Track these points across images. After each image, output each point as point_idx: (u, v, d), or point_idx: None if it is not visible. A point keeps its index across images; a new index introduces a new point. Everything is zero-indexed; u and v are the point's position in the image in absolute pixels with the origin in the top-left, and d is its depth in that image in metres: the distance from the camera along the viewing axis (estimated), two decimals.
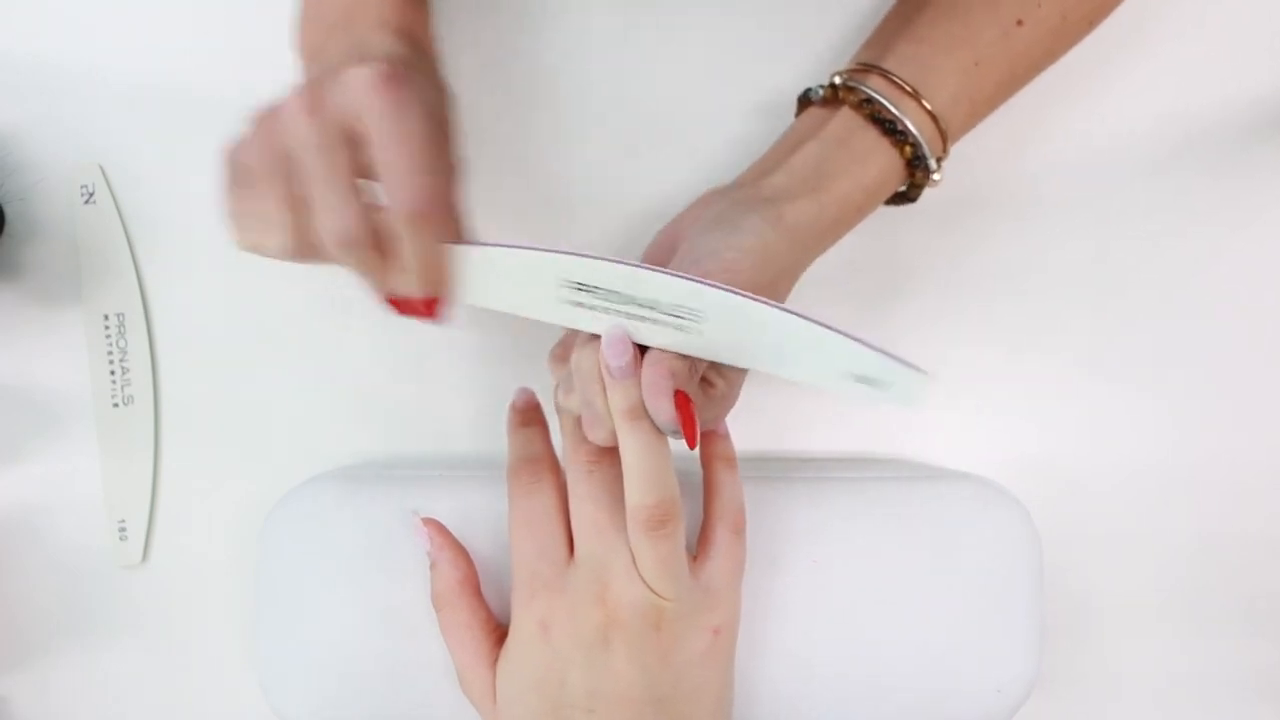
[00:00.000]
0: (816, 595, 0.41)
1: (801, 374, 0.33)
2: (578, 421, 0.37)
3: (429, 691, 0.41)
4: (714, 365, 0.36)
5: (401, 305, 0.35)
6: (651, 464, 0.34)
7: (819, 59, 0.45)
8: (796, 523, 0.41)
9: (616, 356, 0.33)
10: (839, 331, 0.32)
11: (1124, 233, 0.47)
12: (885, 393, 0.32)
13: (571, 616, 0.36)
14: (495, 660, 0.38)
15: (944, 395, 0.47)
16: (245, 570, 0.45)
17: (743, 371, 0.37)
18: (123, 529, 0.47)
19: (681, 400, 0.33)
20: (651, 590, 0.35)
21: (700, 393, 0.36)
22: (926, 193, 0.40)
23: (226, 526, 0.47)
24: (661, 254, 0.39)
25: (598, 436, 0.35)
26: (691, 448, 0.34)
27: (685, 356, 0.33)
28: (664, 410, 0.33)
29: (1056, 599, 0.44)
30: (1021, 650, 0.41)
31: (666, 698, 0.36)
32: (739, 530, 0.38)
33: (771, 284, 0.36)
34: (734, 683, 0.39)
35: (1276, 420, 0.47)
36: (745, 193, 0.37)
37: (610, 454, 0.37)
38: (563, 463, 0.38)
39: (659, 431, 0.34)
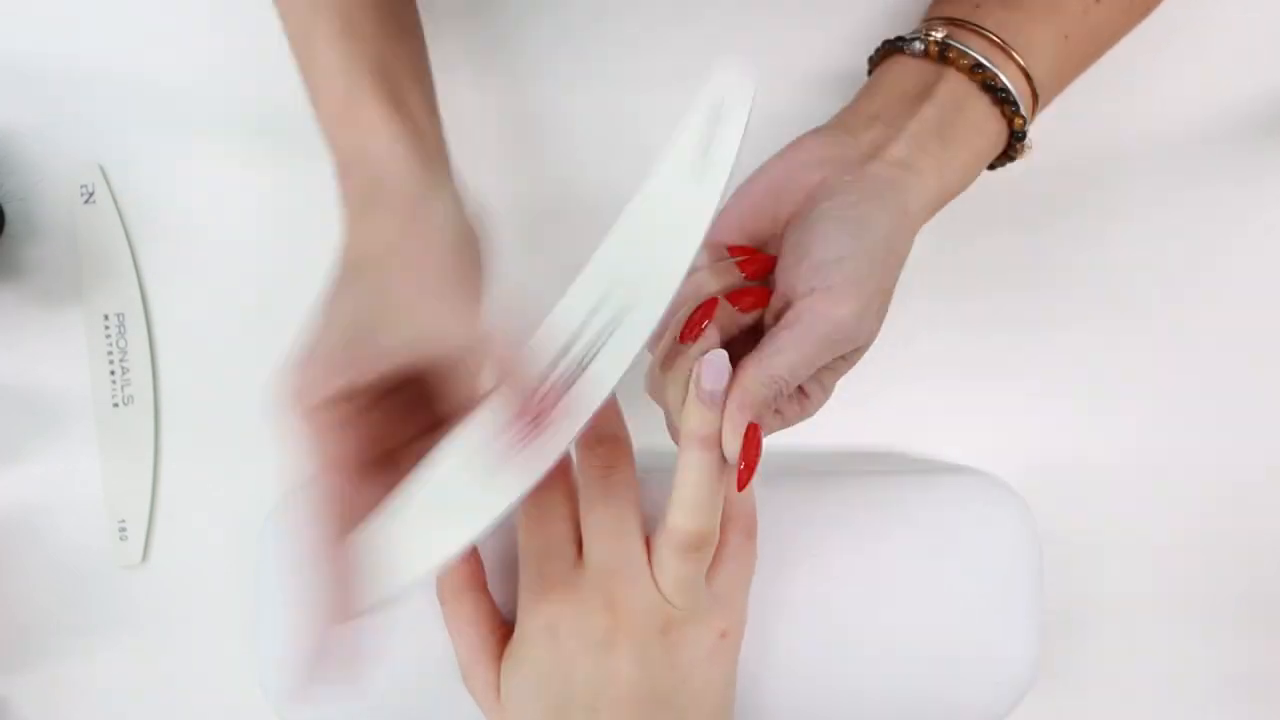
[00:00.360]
0: (815, 590, 0.41)
1: None
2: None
3: (431, 691, 0.40)
4: (816, 380, 0.35)
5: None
6: (706, 493, 0.33)
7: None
8: (796, 517, 0.41)
9: (711, 380, 0.32)
10: None
11: (1126, 230, 0.47)
12: None
13: (578, 619, 0.36)
14: (499, 657, 0.38)
15: (945, 390, 0.47)
16: (245, 570, 0.45)
17: (836, 379, 0.36)
18: (123, 529, 0.47)
19: (750, 438, 0.32)
20: (663, 597, 0.35)
21: (794, 402, 0.35)
22: None
23: (226, 526, 0.47)
24: (764, 202, 0.36)
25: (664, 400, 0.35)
26: (740, 489, 0.33)
27: (775, 384, 0.32)
28: (732, 447, 0.32)
29: (1056, 594, 0.44)
30: (1021, 645, 0.41)
31: (671, 699, 0.36)
32: (751, 535, 0.38)
33: (891, 287, 0.34)
34: (736, 681, 0.39)
35: (1277, 419, 0.47)
36: (869, 174, 0.35)
37: (624, 458, 0.37)
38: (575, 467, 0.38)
39: (722, 463, 0.33)
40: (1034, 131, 0.45)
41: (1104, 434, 0.47)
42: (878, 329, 0.35)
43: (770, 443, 0.47)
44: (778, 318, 0.33)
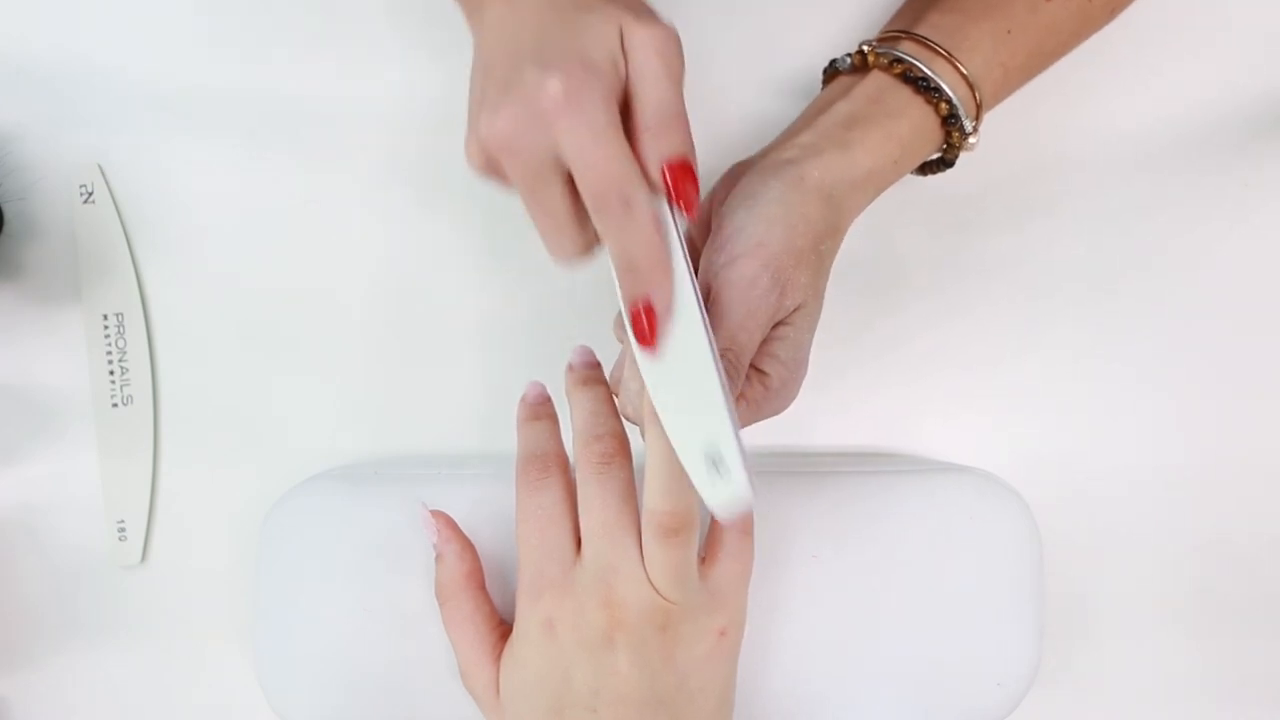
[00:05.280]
0: (816, 589, 0.41)
1: (678, 426, 0.33)
2: (588, 419, 0.37)
3: (430, 690, 0.41)
4: (769, 353, 0.35)
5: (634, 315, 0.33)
6: (674, 470, 0.33)
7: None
8: (796, 517, 0.41)
9: None
10: (730, 406, 0.32)
11: (1126, 229, 0.47)
12: (715, 486, 0.32)
13: (577, 617, 0.36)
14: (498, 655, 0.38)
15: (944, 390, 0.47)
16: (245, 570, 0.45)
17: (800, 358, 0.36)
18: (122, 529, 0.47)
19: None
20: (659, 594, 0.35)
21: (755, 384, 0.36)
22: (928, 187, 0.40)
23: (226, 526, 0.47)
24: (698, 234, 0.39)
25: (627, 412, 0.36)
26: None
27: (721, 357, 0.33)
28: None
29: (1056, 593, 0.44)
30: (1022, 644, 0.42)
31: (669, 698, 0.36)
32: (747, 532, 0.38)
33: (810, 248, 0.35)
34: (736, 681, 0.39)
35: (1277, 419, 0.47)
36: (768, 159, 0.37)
37: (621, 454, 0.37)
38: (572, 460, 0.38)
39: None
40: (1037, 130, 0.46)
41: (1104, 433, 0.47)
42: (813, 290, 0.36)
43: (770, 442, 0.47)
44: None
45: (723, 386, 0.32)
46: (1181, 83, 0.46)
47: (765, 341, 0.35)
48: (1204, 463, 0.47)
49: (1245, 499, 0.47)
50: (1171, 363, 0.47)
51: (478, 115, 0.32)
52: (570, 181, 0.32)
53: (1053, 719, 0.47)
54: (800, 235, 0.35)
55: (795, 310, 0.36)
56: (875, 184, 0.38)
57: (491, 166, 0.33)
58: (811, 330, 0.37)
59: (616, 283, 0.33)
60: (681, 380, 0.33)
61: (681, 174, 0.32)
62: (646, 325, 0.32)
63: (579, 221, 0.33)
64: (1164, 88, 0.46)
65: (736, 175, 0.38)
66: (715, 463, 0.32)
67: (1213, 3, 0.46)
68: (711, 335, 0.33)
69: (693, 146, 0.33)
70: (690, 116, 0.46)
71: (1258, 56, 0.46)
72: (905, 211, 0.40)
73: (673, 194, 0.32)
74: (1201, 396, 0.47)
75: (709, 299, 0.34)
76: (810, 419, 0.47)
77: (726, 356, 0.33)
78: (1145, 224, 0.47)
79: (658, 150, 0.32)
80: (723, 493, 0.32)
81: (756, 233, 0.34)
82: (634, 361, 0.34)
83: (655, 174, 0.32)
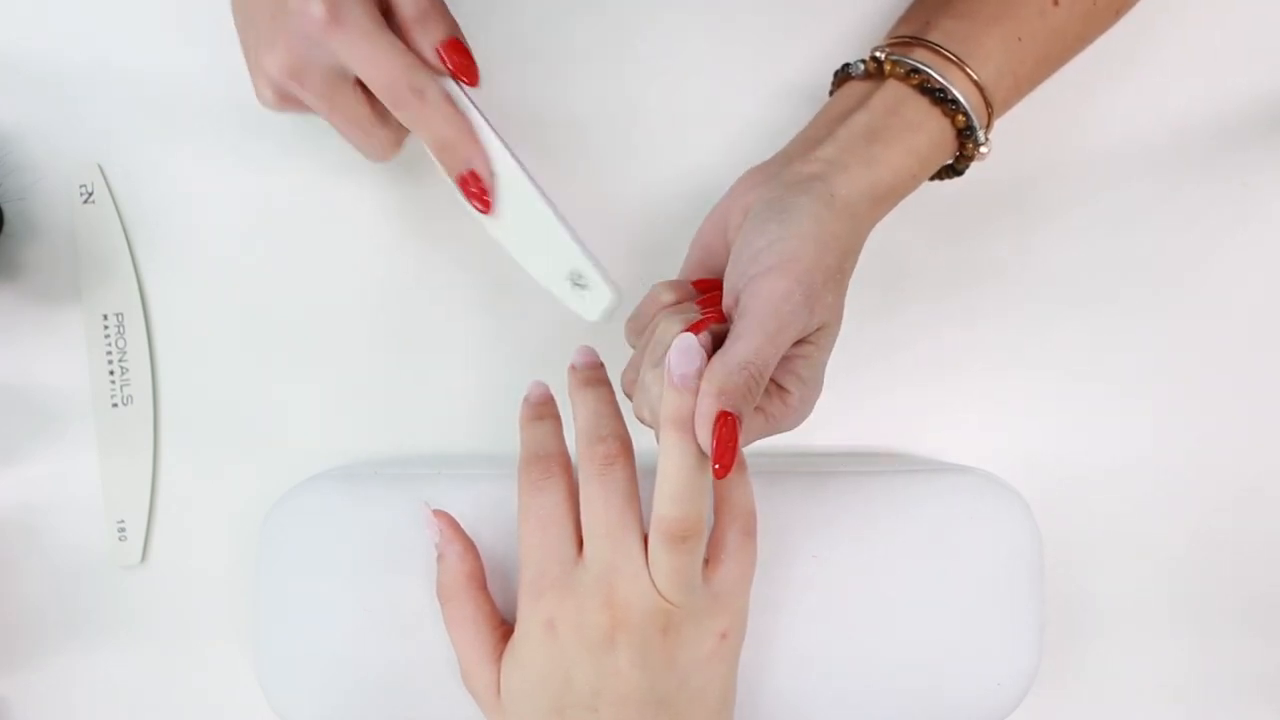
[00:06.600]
0: (817, 589, 0.41)
1: (539, 266, 0.39)
2: (591, 420, 0.37)
3: (430, 691, 0.41)
4: (790, 371, 0.35)
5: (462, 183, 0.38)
6: (686, 479, 0.33)
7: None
8: (797, 517, 0.41)
9: (682, 364, 0.33)
10: (573, 232, 0.38)
11: (1126, 230, 0.47)
12: (585, 300, 0.39)
13: (578, 617, 0.36)
14: (499, 655, 0.38)
15: (945, 390, 0.47)
16: (245, 570, 0.45)
17: (818, 378, 0.36)
18: (122, 529, 0.47)
19: (723, 426, 0.32)
20: (661, 596, 0.35)
21: (774, 399, 0.35)
22: (928, 188, 0.40)
23: (226, 526, 0.47)
24: (713, 240, 0.39)
25: (643, 415, 0.36)
26: (718, 477, 0.33)
27: (744, 370, 0.32)
28: (702, 434, 0.32)
29: (1056, 594, 0.44)
30: (1022, 644, 0.42)
31: (670, 698, 0.36)
32: (750, 533, 0.38)
33: (837, 266, 0.35)
34: (736, 681, 0.39)
35: (1277, 420, 0.47)
36: (794, 171, 0.37)
37: (624, 455, 0.37)
38: (576, 460, 0.38)
39: (701, 450, 0.33)
40: (1037, 131, 0.46)
41: (1104, 434, 0.47)
42: (837, 310, 0.36)
43: (771, 442, 0.47)
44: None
45: (561, 219, 0.38)
46: (1181, 84, 0.46)
47: (788, 359, 0.35)
48: (1204, 463, 0.47)
49: (1245, 500, 0.48)
50: (1172, 363, 0.47)
51: (257, 55, 0.37)
52: (361, 87, 0.37)
53: (1053, 719, 0.47)
54: (830, 252, 0.35)
55: (819, 330, 0.35)
56: (893, 199, 0.38)
57: (284, 98, 0.37)
58: (830, 350, 0.36)
59: (442, 169, 0.38)
60: (525, 229, 0.39)
61: (454, 51, 0.37)
62: (476, 191, 0.38)
63: (381, 120, 0.37)
64: (1163, 89, 0.46)
65: (753, 182, 0.38)
66: (579, 282, 0.38)
67: (1212, 3, 0.46)
68: (538, 183, 0.38)
69: (457, 24, 0.37)
70: (697, 122, 0.45)
71: (1257, 57, 0.46)
72: (906, 213, 0.40)
73: (452, 70, 0.37)
74: (1201, 397, 0.47)
75: (737, 308, 0.34)
76: (811, 419, 0.47)
77: (748, 369, 0.32)
78: (1145, 225, 0.47)
79: (427, 38, 0.36)
80: (593, 302, 0.38)
81: (790, 247, 0.34)
82: (654, 367, 0.34)
83: (432, 58, 0.37)
